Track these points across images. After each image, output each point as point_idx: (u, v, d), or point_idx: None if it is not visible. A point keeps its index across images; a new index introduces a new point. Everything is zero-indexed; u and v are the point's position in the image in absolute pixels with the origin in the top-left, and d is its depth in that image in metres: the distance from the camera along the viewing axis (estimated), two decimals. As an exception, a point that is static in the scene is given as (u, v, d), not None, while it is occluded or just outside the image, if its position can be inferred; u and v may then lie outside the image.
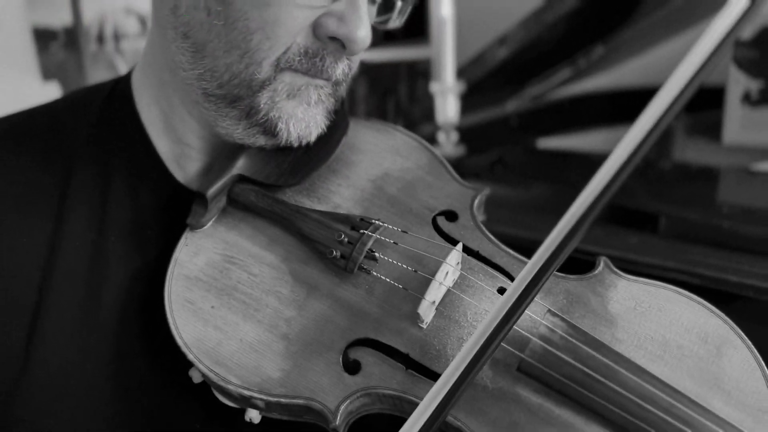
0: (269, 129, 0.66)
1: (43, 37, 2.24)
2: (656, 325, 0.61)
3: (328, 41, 0.63)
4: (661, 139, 1.89)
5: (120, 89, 0.75)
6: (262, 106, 0.65)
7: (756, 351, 0.60)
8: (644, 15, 1.82)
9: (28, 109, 0.79)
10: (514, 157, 1.56)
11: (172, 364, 0.65)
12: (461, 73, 1.59)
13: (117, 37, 2.30)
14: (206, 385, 0.62)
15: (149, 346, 0.67)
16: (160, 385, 0.67)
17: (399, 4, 0.71)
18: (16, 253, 0.66)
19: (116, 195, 0.69)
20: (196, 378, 0.62)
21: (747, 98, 1.78)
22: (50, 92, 2.25)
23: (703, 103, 2.00)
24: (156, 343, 0.66)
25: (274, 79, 0.64)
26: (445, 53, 1.46)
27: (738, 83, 1.78)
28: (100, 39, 2.28)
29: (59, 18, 2.23)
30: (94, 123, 0.73)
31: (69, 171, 0.70)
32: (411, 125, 1.77)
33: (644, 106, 1.96)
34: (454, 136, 1.54)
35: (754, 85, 1.76)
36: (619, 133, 1.78)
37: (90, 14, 2.23)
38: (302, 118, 0.67)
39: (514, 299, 0.50)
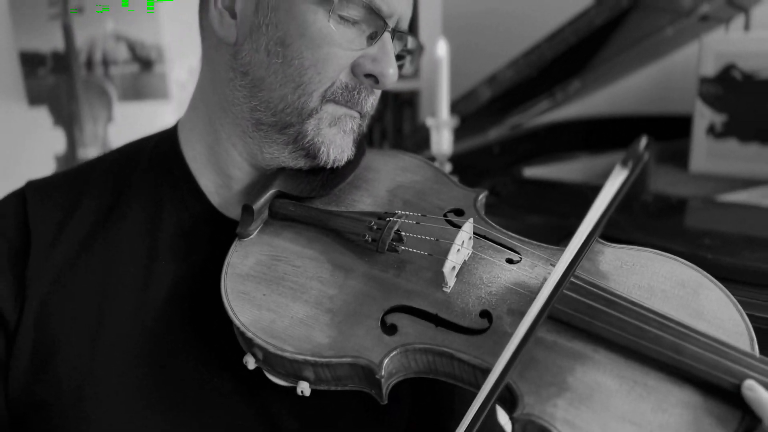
0: (312, 152, 0.78)
1: (30, 62, 2.25)
2: (640, 277, 0.73)
3: (363, 78, 0.76)
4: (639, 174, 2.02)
5: (166, 136, 0.86)
6: (309, 131, 0.77)
7: (727, 291, 0.71)
8: (616, 52, 1.95)
9: (91, 159, 0.89)
10: (505, 187, 1.66)
11: (222, 360, 0.75)
12: (453, 107, 1.69)
13: (106, 63, 2.33)
14: (259, 370, 0.71)
15: (199, 346, 0.76)
16: (210, 378, 0.76)
17: (408, 57, 0.84)
18: (81, 280, 0.77)
19: (165, 224, 0.80)
20: (251, 364, 0.70)
21: (712, 130, 1.92)
22: (37, 117, 2.26)
23: (672, 132, 2.15)
24: (204, 342, 0.76)
25: (320, 109, 0.76)
26: (441, 90, 1.56)
27: (703, 116, 1.92)
28: (89, 65, 2.31)
29: (48, 42, 2.25)
30: (145, 167, 0.84)
31: (125, 209, 0.81)
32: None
33: (613, 134, 2.12)
34: (449, 167, 1.64)
35: (718, 119, 1.91)
36: (597, 162, 1.92)
37: (79, 40, 2.26)
38: (339, 144, 0.79)
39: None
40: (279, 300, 0.71)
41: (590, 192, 1.75)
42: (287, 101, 0.75)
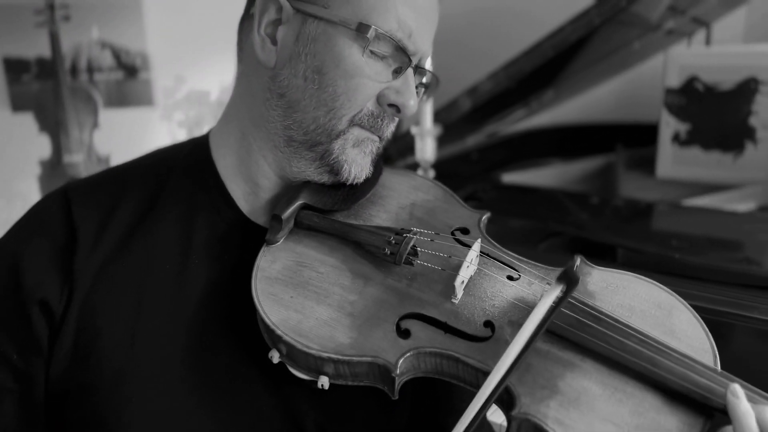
0: (336, 169, 0.86)
1: (14, 68, 2.27)
2: (623, 297, 0.83)
3: (387, 107, 0.84)
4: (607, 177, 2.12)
5: (199, 144, 0.94)
6: (335, 150, 0.84)
7: (696, 313, 0.81)
8: (588, 64, 2.06)
9: (126, 163, 0.95)
10: (486, 193, 1.75)
11: (250, 353, 0.82)
12: (435, 116, 1.77)
13: (91, 70, 2.36)
14: (282, 364, 0.78)
15: (229, 339, 0.83)
16: (239, 369, 0.83)
17: (423, 89, 0.93)
18: (121, 275, 0.83)
19: (198, 226, 0.87)
20: (275, 359, 0.77)
21: (676, 138, 2.04)
22: (22, 123, 2.28)
23: (640, 140, 2.26)
24: (235, 336, 0.83)
25: (347, 131, 0.84)
26: (425, 102, 1.64)
27: (669, 125, 2.04)
28: (74, 71, 2.34)
29: (32, 49, 2.27)
30: (179, 173, 0.91)
31: (161, 211, 0.88)
32: (388, 161, 1.94)
33: (584, 141, 2.25)
34: (432, 173, 1.72)
35: (682, 128, 2.02)
36: (569, 168, 2.03)
37: (64, 47, 2.28)
38: (360, 163, 0.87)
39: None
40: (305, 303, 0.79)
41: (565, 197, 1.86)
42: (319, 123, 0.83)
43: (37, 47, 2.26)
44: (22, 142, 2.29)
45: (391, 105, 0.84)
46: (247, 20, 0.88)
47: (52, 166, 2.32)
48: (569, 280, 0.71)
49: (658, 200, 1.83)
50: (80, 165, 2.30)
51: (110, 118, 2.33)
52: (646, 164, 2.12)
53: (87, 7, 2.29)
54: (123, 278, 0.83)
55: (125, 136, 2.37)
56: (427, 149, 1.69)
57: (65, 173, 2.29)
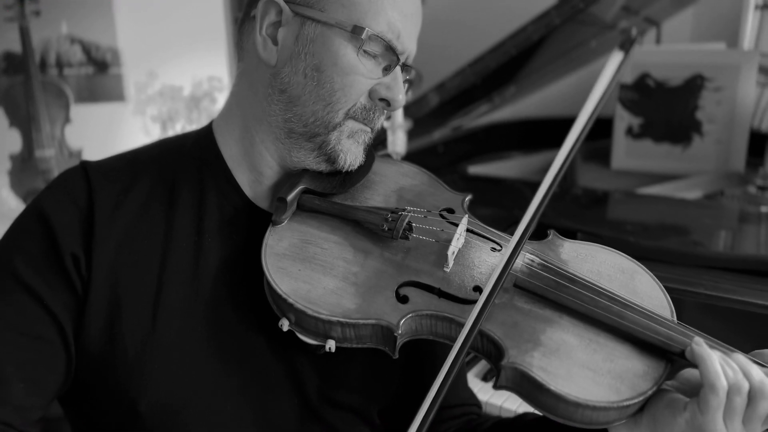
0: (332, 158, 0.94)
1: (-19, 63, 2.28)
2: (591, 264, 0.94)
3: (378, 101, 0.93)
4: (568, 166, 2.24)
5: (203, 135, 1.00)
6: (332, 141, 0.92)
7: (654, 276, 0.93)
8: (548, 61, 2.17)
9: (136, 149, 1.01)
10: (454, 184, 1.84)
11: (260, 323, 0.90)
12: (405, 111, 1.86)
13: (60, 65, 2.37)
14: (290, 333, 0.86)
15: (241, 311, 0.91)
16: (250, 337, 0.91)
17: (408, 85, 1.01)
18: (141, 251, 0.90)
19: (209, 209, 0.95)
20: (285, 326, 0.85)
21: (629, 131, 2.17)
22: (-9, 117, 2.29)
23: (597, 133, 2.38)
24: (246, 309, 0.91)
25: (342, 124, 0.92)
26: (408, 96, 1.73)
27: (622, 119, 2.16)
28: (42, 66, 2.35)
29: (1, 43, 2.28)
30: (188, 160, 0.98)
31: (174, 193, 0.95)
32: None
33: (543, 134, 2.39)
34: (402, 165, 1.81)
35: (635, 121, 2.15)
36: (530, 160, 2.15)
37: (33, 42, 2.29)
38: (354, 152, 0.95)
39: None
40: (312, 275, 0.87)
41: (526, 188, 1.97)
42: (317, 116, 0.91)
43: (6, 42, 2.27)
44: (-9, 137, 2.30)
45: (382, 99, 0.92)
46: (247, 22, 0.95)
47: (23, 160, 2.33)
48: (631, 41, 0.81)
49: (614, 189, 1.95)
50: (52, 159, 2.31)
51: (81, 113, 2.35)
52: (602, 156, 2.24)
53: (57, 2, 2.31)
54: (142, 256, 0.90)
55: (98, 131, 2.40)
56: (398, 142, 1.77)
57: (36, 168, 2.30)
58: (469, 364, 1.60)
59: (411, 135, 2.01)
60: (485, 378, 1.53)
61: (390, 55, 0.90)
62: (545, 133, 2.49)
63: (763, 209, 1.73)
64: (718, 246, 1.55)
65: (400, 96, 0.92)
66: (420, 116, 1.87)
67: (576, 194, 1.81)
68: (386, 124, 1.78)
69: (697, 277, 1.30)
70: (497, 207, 1.58)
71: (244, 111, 0.97)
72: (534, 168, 2.21)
